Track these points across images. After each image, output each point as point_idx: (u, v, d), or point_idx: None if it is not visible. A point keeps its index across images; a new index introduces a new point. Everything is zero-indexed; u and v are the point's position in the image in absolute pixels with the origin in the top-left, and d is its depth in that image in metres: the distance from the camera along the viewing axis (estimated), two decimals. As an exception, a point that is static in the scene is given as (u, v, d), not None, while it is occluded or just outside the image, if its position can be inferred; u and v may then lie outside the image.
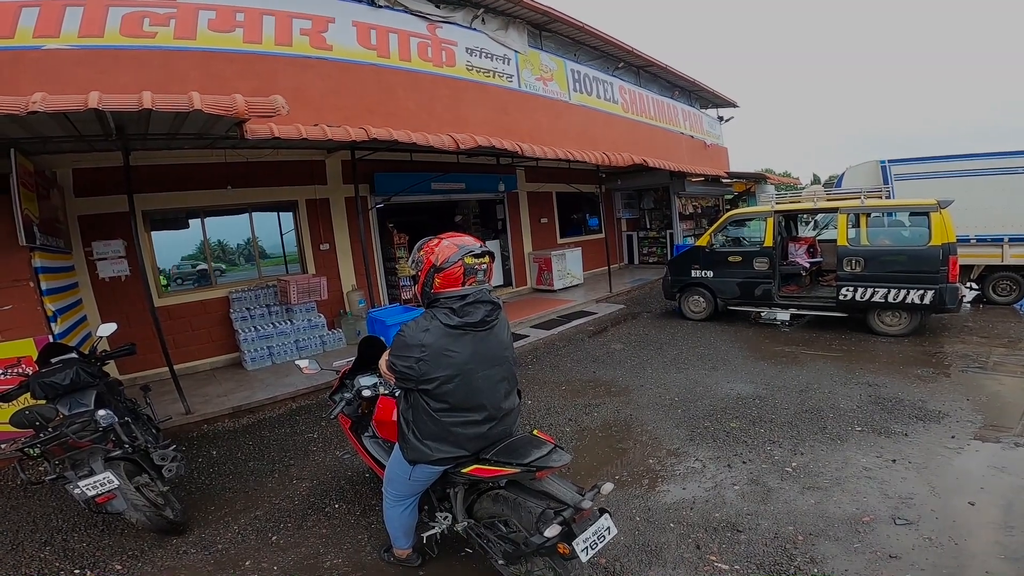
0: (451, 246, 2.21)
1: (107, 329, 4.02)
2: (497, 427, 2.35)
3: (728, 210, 11.03)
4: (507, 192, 11.20)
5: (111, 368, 5.56)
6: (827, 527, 2.94)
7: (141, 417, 4.03)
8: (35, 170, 4.69)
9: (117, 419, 3.28)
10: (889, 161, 9.01)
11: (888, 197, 7.84)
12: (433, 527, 2.70)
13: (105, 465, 2.95)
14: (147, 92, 3.77)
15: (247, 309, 7.17)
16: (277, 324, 7.22)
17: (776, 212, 7.62)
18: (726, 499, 3.32)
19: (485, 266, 2.25)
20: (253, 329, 7.04)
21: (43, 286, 4.48)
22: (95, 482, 2.81)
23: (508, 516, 2.38)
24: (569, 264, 11.93)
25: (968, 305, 8.25)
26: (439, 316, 2.17)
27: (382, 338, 2.92)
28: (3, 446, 2.93)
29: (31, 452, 2.86)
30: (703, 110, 19.50)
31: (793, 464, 3.71)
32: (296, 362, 3.39)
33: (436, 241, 2.25)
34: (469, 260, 2.19)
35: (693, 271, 8.41)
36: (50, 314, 4.48)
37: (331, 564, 3.00)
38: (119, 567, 3.04)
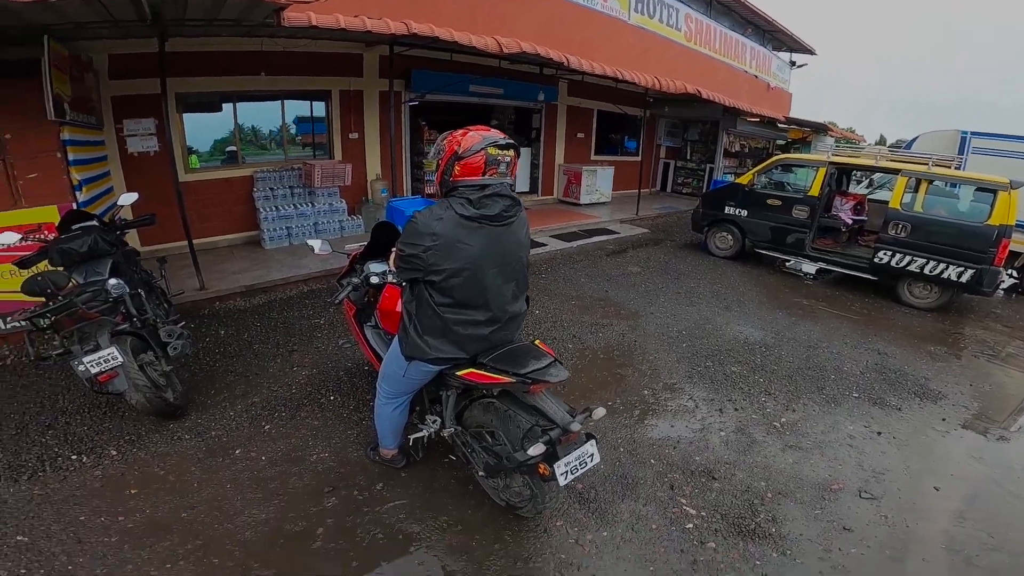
0: (475, 136, 2.08)
1: (129, 198, 3.89)
2: (500, 332, 2.29)
3: (778, 154, 10.46)
4: (546, 103, 10.74)
5: (132, 239, 5.63)
6: (796, 488, 2.99)
7: (155, 290, 3.94)
8: (69, 55, 4.60)
9: (129, 290, 3.15)
10: (972, 133, 8.31)
11: (959, 168, 7.30)
12: (422, 430, 2.70)
13: (111, 340, 2.83)
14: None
15: (270, 189, 7.19)
16: (298, 206, 7.30)
17: (831, 163, 7.29)
18: (709, 444, 3.37)
19: (509, 159, 2.13)
20: (274, 209, 7.12)
21: (70, 157, 4.47)
22: (99, 358, 2.68)
23: (496, 427, 2.37)
24: (599, 181, 11.67)
25: (1002, 292, 7.90)
26: (454, 206, 2.07)
27: (398, 226, 2.85)
28: (16, 317, 2.84)
29: (40, 323, 2.69)
30: (775, 52, 17.89)
31: (782, 420, 3.72)
32: (308, 242, 3.26)
33: (462, 131, 2.13)
34: (492, 151, 2.06)
35: (727, 207, 8.22)
36: (75, 183, 4.48)
37: (317, 458, 3.04)
38: (114, 452, 3.01)
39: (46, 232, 3.48)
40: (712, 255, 8.46)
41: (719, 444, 3.38)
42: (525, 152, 11.20)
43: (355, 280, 2.90)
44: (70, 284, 2.92)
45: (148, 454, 3.01)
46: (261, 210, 7.06)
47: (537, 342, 2.36)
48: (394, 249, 2.25)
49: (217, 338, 4.59)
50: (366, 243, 3.26)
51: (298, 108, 7.82)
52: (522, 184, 11.39)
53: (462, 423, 2.58)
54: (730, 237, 8.32)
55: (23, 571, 2.19)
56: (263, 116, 7.69)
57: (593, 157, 12.64)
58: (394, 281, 2.80)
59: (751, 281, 7.28)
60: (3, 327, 4.03)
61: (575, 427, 2.06)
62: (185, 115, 6.72)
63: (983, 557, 2.55)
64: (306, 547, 2.42)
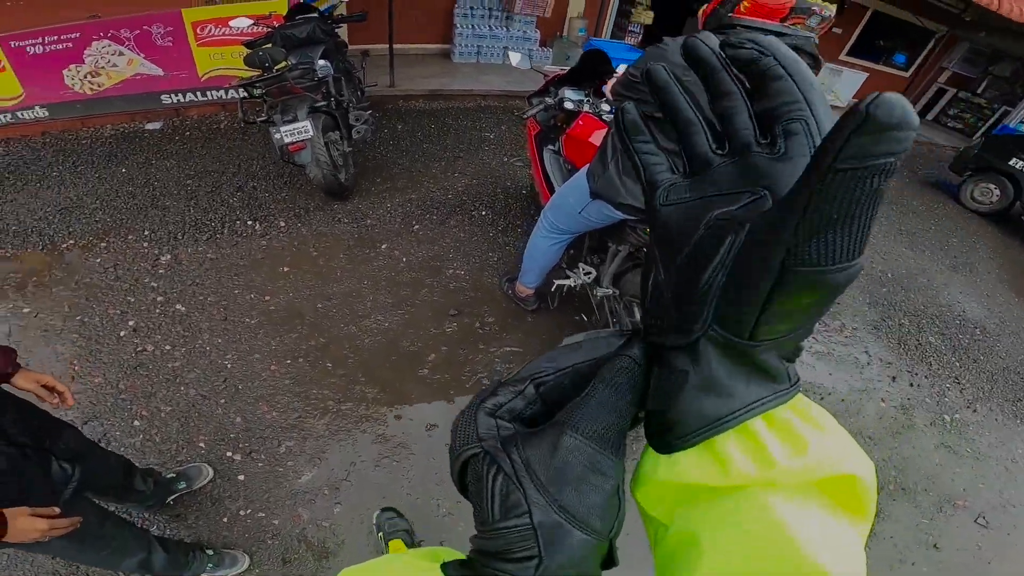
0: None
1: None
2: None
3: None
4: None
5: (342, 34, 5.81)
6: (923, 491, 2.57)
7: (353, 79, 4.16)
8: None
9: (333, 72, 3.38)
10: None
11: None
12: (569, 277, 2.49)
13: (308, 115, 3.01)
14: None
15: (471, 8, 7.03)
16: (494, 28, 7.17)
17: None
18: (863, 410, 2.88)
19: (829, 13, 1.57)
20: (471, 27, 7.05)
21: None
22: (294, 129, 2.92)
23: None
24: (841, 83, 9.50)
25: None
26: None
27: (610, 57, 2.52)
28: (235, 84, 3.11)
29: (253, 92, 2.96)
30: None
31: (956, 415, 3.06)
32: (509, 52, 3.03)
33: None
34: None
35: (1016, 160, 6.30)
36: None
37: (453, 273, 3.06)
38: (283, 223, 3.27)
39: (274, 21, 3.76)
40: (960, 203, 6.74)
41: (872, 415, 2.86)
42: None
43: (548, 100, 2.63)
44: (284, 62, 3.14)
45: (309, 231, 3.27)
46: (458, 26, 7.00)
47: None
48: (620, 70, 1.88)
49: (394, 131, 4.77)
50: (565, 69, 2.93)
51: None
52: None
53: (619, 286, 2.31)
54: (997, 192, 6.48)
55: (168, 347, 2.42)
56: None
57: (844, 56, 10.03)
58: (591, 111, 2.45)
59: (999, 249, 5.64)
60: (225, 96, 4.59)
61: None
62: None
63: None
64: (413, 372, 2.48)
